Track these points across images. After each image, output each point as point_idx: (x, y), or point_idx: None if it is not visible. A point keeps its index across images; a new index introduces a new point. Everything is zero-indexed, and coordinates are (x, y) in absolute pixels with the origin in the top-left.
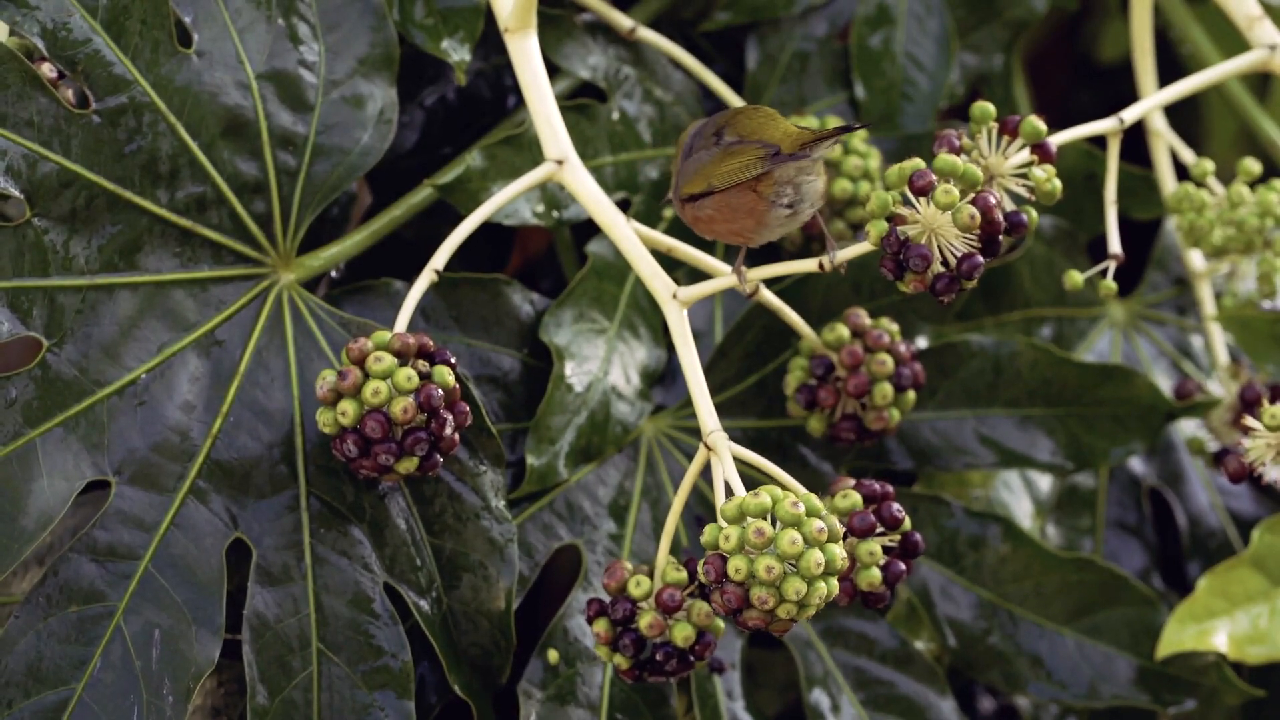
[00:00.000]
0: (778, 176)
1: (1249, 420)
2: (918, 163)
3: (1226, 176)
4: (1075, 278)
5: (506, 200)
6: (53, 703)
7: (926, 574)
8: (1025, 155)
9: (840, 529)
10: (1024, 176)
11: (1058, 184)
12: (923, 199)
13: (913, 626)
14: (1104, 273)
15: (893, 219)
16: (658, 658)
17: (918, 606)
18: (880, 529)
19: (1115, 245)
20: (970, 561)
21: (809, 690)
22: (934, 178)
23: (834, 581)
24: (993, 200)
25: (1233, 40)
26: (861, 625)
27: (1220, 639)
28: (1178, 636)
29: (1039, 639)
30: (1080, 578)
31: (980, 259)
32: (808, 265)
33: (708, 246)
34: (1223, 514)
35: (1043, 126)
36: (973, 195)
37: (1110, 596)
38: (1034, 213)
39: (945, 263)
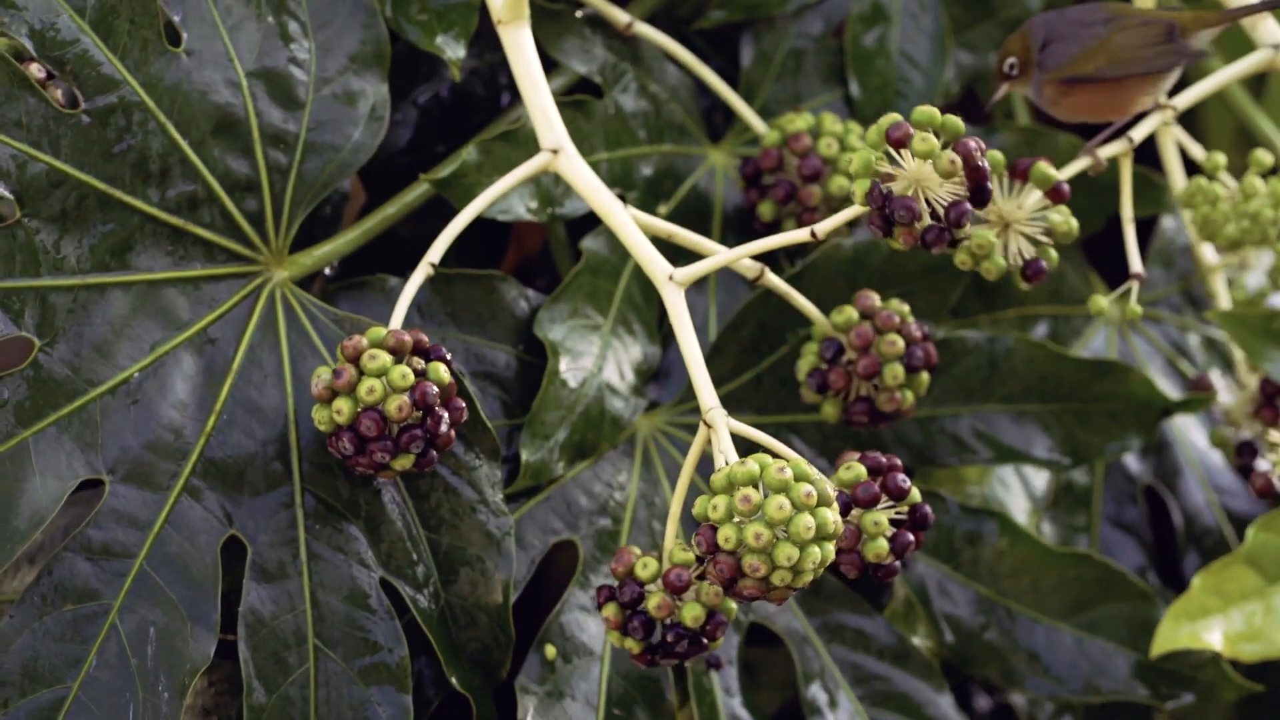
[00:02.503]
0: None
1: (1273, 435)
2: (894, 117)
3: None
4: (1100, 302)
5: (503, 192)
6: (48, 701)
7: (923, 570)
8: (1039, 198)
9: (831, 493)
10: (1040, 220)
11: (1074, 224)
12: (905, 153)
13: (910, 622)
14: (1127, 294)
15: (877, 176)
16: (668, 640)
17: (915, 603)
18: (887, 500)
19: (1137, 264)
20: (967, 557)
21: (806, 686)
22: (910, 129)
23: (829, 546)
24: (974, 145)
25: (1230, 39)
26: (859, 621)
27: (1215, 637)
28: (1172, 634)
29: (1036, 634)
30: (1077, 573)
31: (968, 206)
32: (799, 235)
33: (707, 230)
34: (1218, 511)
35: (1054, 172)
36: (953, 143)
37: (1107, 592)
38: (1054, 254)
39: (935, 215)
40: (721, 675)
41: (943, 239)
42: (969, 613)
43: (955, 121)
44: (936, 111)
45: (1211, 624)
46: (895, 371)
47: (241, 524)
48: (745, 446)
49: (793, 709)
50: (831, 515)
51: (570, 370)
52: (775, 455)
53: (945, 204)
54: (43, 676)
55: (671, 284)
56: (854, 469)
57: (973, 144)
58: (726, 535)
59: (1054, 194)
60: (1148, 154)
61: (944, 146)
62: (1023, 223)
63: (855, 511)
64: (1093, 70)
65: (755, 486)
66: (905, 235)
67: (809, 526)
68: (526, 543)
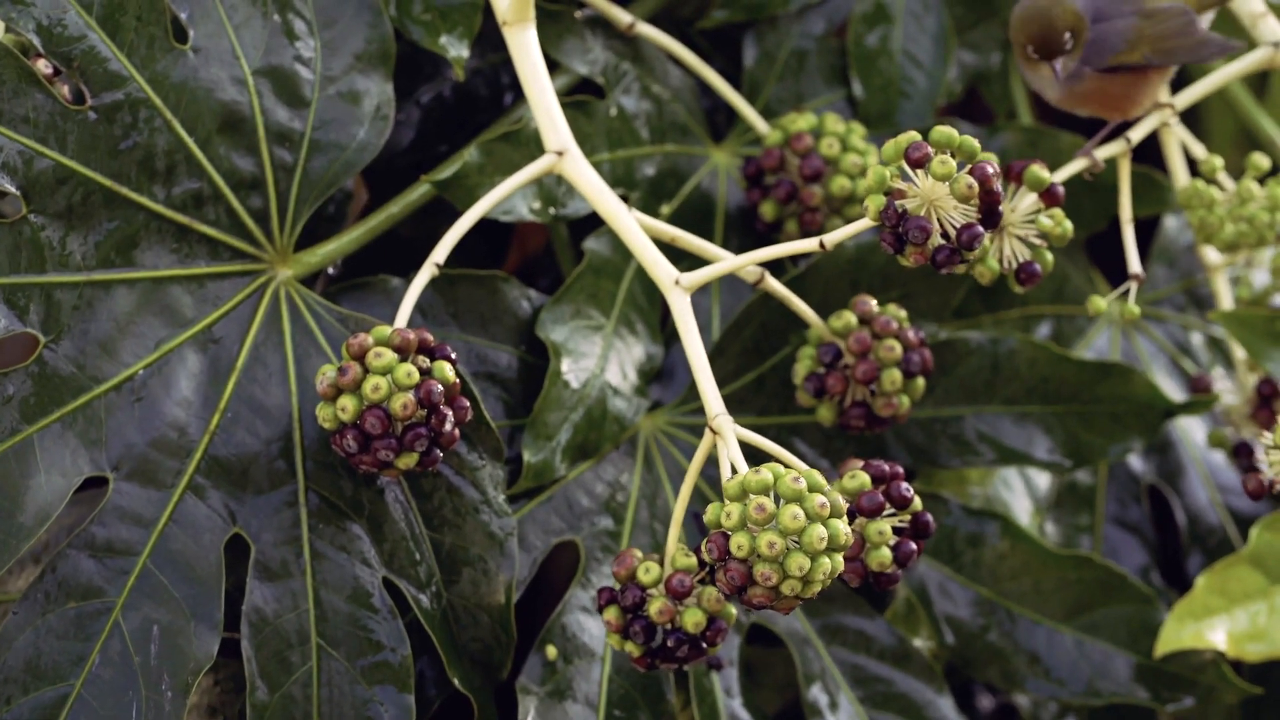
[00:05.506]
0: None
1: (1266, 437)
2: (913, 135)
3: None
4: (1098, 303)
5: (508, 193)
6: (51, 699)
7: (924, 571)
8: (1034, 200)
9: (843, 504)
10: (1034, 222)
11: (1068, 226)
12: (920, 171)
13: (911, 624)
14: (1125, 295)
15: (891, 193)
16: (669, 644)
17: (916, 604)
18: (890, 509)
19: (1135, 265)
20: (968, 559)
21: (807, 688)
22: (930, 149)
23: (838, 557)
24: (990, 170)
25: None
26: (859, 622)
27: (1219, 636)
28: (1176, 634)
29: (1037, 636)
30: (1078, 575)
31: (980, 229)
32: (807, 245)
33: (710, 230)
34: (1222, 511)
35: (1047, 175)
36: (970, 166)
37: (1108, 594)
38: (1049, 257)
39: (945, 234)
40: (722, 676)
41: (954, 260)
42: (970, 614)
43: (972, 143)
44: (954, 132)
45: (1215, 624)
46: (893, 377)
47: (245, 522)
48: (750, 453)
49: (793, 710)
50: (843, 527)
51: (572, 371)
52: (784, 464)
53: (956, 224)
54: (46, 674)
55: (678, 289)
56: (858, 478)
57: (990, 169)
58: (739, 543)
59: (1048, 197)
60: (1153, 154)
61: (959, 167)
62: (1017, 225)
63: (859, 520)
64: (1140, 58)
65: (768, 495)
66: (917, 255)
67: (822, 537)
68: (528, 543)
